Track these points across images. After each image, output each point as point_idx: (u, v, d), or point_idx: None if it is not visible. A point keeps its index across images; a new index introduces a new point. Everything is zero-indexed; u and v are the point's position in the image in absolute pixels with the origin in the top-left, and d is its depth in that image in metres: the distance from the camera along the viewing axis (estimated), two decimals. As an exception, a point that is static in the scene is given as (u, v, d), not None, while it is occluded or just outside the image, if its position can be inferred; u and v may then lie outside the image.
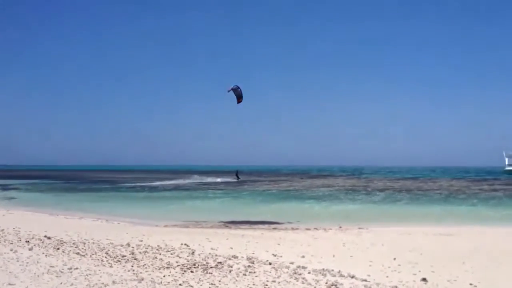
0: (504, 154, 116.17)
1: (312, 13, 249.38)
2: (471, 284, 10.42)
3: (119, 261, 11.85)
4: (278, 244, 15.72)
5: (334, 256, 13.60)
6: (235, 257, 12.78)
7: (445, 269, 11.85)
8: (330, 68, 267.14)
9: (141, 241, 15.66)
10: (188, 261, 12.04)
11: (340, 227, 21.34)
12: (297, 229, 21.09)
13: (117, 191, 50.56)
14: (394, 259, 13.10)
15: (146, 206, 33.82)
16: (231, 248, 14.54)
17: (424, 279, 10.75)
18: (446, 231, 19.78)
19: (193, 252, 13.46)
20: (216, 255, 13.08)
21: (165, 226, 22.28)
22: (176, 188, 57.01)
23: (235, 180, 73.27)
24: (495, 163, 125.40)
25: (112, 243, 14.80)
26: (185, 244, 14.87)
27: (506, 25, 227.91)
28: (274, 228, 21.52)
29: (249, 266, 11.63)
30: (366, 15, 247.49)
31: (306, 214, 28.36)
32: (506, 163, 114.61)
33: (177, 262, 11.87)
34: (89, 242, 14.87)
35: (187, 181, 73.26)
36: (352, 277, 10.71)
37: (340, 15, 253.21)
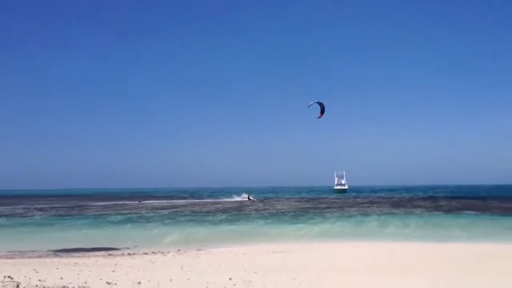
0: (334, 174, 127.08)
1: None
2: (299, 298, 11.07)
3: None
4: (113, 271, 15.11)
5: (171, 280, 13.45)
6: (65, 287, 11.96)
7: (277, 285, 12.45)
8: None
9: (-46, 276, 13.87)
10: (10, 295, 10.96)
11: (179, 250, 21.27)
12: (134, 254, 20.53)
13: None
14: (230, 279, 13.40)
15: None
16: (62, 278, 13.59)
17: (257, 297, 11.16)
18: (279, 248, 20.89)
19: (18, 285, 12.29)
20: (44, 287, 12.11)
21: (-15, 258, 20.04)
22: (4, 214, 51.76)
23: (247, 200, 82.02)
24: (327, 182, 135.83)
25: None
26: (9, 277, 13.52)
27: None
28: (110, 255, 20.65)
29: (80, 296, 10.98)
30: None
31: (145, 238, 27.65)
32: (336, 182, 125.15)
33: (-3, 297, 10.73)
34: None
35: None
36: (189, 300, 10.70)
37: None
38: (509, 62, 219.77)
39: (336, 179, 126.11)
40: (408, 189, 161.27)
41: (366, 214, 45.96)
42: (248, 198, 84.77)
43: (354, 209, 54.60)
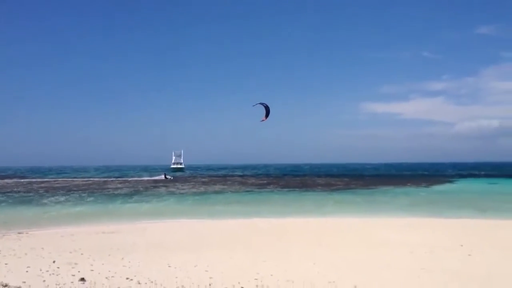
0: (173, 153, 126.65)
1: None
2: (127, 278, 10.98)
3: None
4: None
5: (-14, 266, 12.41)
6: None
7: (104, 266, 12.21)
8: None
9: None
10: None
11: (-3, 233, 19.58)
12: None
13: None
14: (54, 262, 12.81)
15: None
16: None
17: (82, 279, 10.82)
18: (109, 229, 20.41)
19: None
20: None
21: None
22: None
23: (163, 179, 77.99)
24: (167, 161, 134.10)
25: None
26: None
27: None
28: None
29: None
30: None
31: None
32: (173, 161, 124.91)
33: None
34: None
35: None
36: (5, 286, 9.99)
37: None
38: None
39: (173, 158, 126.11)
40: (243, 168, 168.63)
41: (199, 192, 47.11)
42: (165, 176, 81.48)
43: (185, 187, 55.59)
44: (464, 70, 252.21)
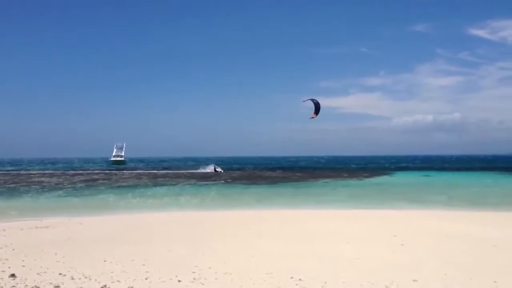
0: (114, 145, 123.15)
1: None
2: (60, 274, 10.66)
3: None
4: None
5: None
6: None
7: (36, 262, 11.80)
8: None
9: None
10: None
11: None
12: None
13: None
14: (-17, 258, 12.28)
15: None
16: None
17: (12, 275, 10.42)
18: (42, 223, 19.73)
19: None
20: None
21: None
22: None
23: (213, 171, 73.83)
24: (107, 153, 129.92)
25: None
26: None
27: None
28: None
29: None
30: None
31: None
32: (113, 153, 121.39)
33: None
34: None
35: None
36: None
37: None
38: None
39: (114, 150, 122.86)
40: (184, 160, 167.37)
41: (140, 185, 46.42)
42: (215, 169, 76.44)
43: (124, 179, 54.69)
44: (401, 66, 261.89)
